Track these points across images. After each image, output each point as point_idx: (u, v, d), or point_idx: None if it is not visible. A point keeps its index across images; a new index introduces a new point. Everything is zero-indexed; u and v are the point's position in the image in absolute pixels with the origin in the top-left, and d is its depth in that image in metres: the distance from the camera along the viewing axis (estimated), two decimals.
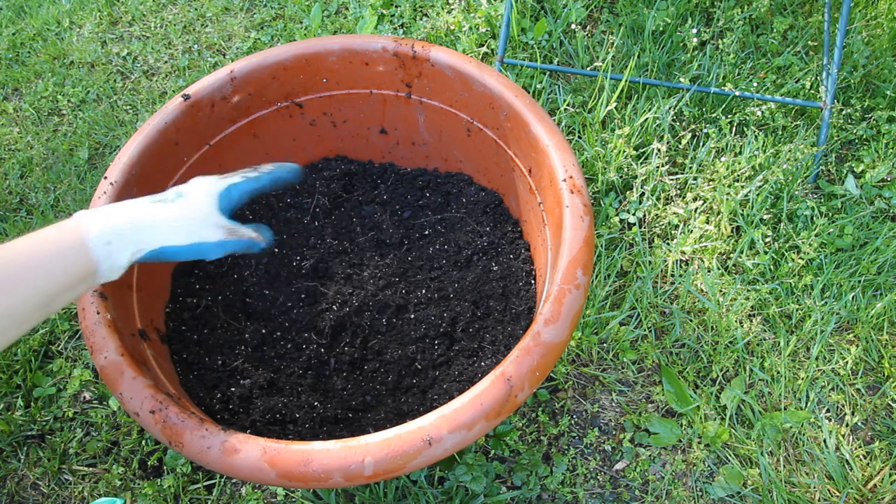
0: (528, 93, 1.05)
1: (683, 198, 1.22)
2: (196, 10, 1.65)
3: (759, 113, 1.29)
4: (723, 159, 1.22)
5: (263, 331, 0.90)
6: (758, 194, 1.18)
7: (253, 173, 0.73)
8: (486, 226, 0.98)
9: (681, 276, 1.14)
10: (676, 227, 1.20)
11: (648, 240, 1.19)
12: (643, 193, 1.22)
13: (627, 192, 1.23)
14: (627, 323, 1.11)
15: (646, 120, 1.26)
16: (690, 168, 1.24)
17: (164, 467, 1.01)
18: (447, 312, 0.89)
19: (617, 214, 1.20)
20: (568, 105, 1.33)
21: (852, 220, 1.18)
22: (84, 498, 1.00)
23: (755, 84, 1.33)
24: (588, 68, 1.37)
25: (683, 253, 1.17)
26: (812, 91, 1.32)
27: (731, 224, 1.18)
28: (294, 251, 0.98)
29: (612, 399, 1.06)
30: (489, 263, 0.94)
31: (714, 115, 1.29)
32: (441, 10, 1.52)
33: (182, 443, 0.61)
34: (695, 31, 1.38)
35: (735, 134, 1.29)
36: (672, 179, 1.24)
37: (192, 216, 0.63)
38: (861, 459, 1.00)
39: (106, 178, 0.81)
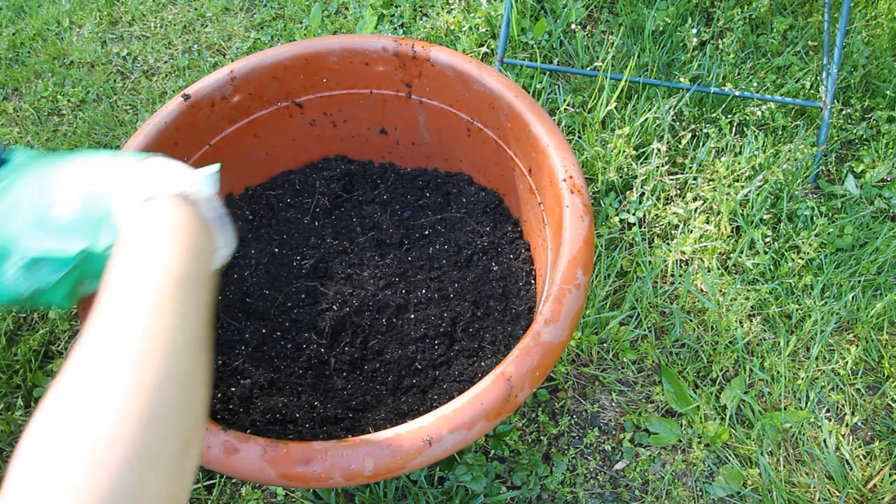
0: (528, 93, 1.04)
1: (683, 198, 1.22)
2: (196, 10, 1.65)
3: (759, 113, 1.29)
4: (723, 159, 1.22)
5: (263, 331, 0.90)
6: (758, 194, 1.18)
7: None
8: (486, 226, 0.98)
9: (681, 276, 1.14)
10: (676, 227, 1.20)
11: (648, 240, 1.19)
12: (643, 193, 1.22)
13: (627, 192, 1.23)
14: (627, 323, 1.11)
15: (646, 120, 1.26)
16: (690, 168, 1.24)
17: None
18: (447, 312, 0.89)
19: (617, 214, 1.20)
20: (568, 105, 1.33)
21: (852, 220, 1.18)
22: None
23: (755, 84, 1.33)
24: (588, 68, 1.37)
25: (683, 253, 1.17)
26: (812, 91, 1.32)
27: (731, 224, 1.18)
28: (294, 251, 0.98)
29: (612, 399, 1.06)
30: (489, 263, 0.94)
31: (714, 115, 1.29)
32: (441, 10, 1.52)
33: None
34: (695, 31, 1.38)
35: (735, 134, 1.29)
36: (672, 179, 1.24)
37: None
38: (861, 459, 1.00)
39: None
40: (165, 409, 0.36)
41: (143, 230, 0.45)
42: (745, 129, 1.29)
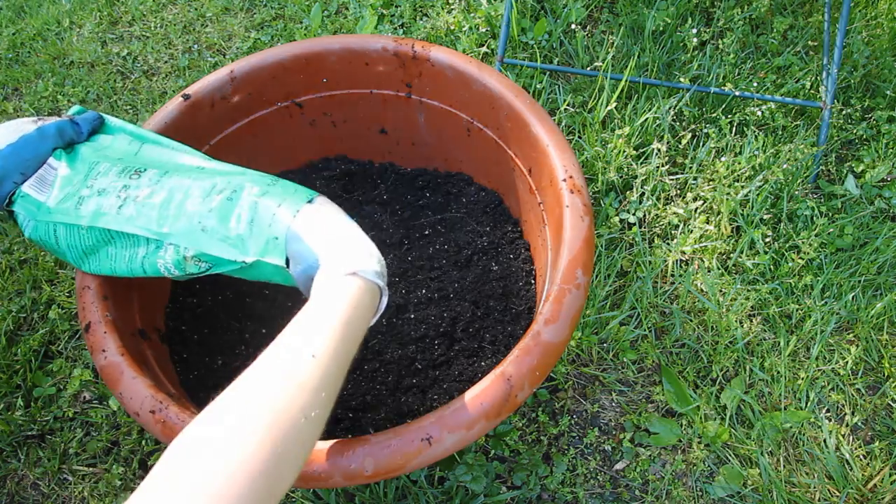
0: (528, 93, 1.04)
1: (683, 198, 1.22)
2: (196, 10, 1.65)
3: (759, 113, 1.29)
4: (723, 159, 1.22)
5: (263, 331, 0.90)
6: (758, 194, 1.18)
7: None
8: (486, 226, 0.98)
9: (681, 276, 1.14)
10: (676, 227, 1.20)
11: (648, 240, 1.19)
12: (643, 193, 1.22)
13: (627, 192, 1.23)
14: (627, 323, 1.11)
15: (646, 120, 1.26)
16: (690, 168, 1.24)
17: None
18: (447, 312, 0.89)
19: (617, 214, 1.20)
20: (568, 105, 1.33)
21: (852, 220, 1.18)
22: (84, 498, 1.00)
23: (755, 84, 1.33)
24: (588, 68, 1.37)
25: (683, 253, 1.17)
26: (812, 91, 1.32)
27: (731, 224, 1.18)
28: None
29: (612, 399, 1.06)
30: (489, 263, 0.94)
31: (714, 115, 1.29)
32: (441, 10, 1.52)
33: None
34: (695, 31, 1.38)
35: (735, 134, 1.29)
36: (672, 179, 1.24)
37: None
38: (861, 459, 1.00)
39: None
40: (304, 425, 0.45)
41: (335, 305, 0.53)
42: (745, 129, 1.29)
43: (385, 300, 0.60)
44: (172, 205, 0.62)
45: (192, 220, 0.62)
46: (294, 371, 0.47)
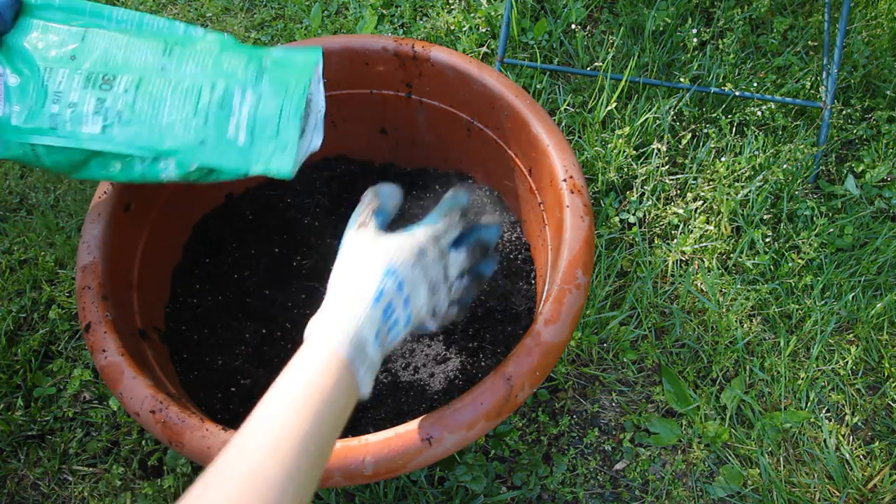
0: (528, 93, 1.04)
1: (683, 198, 1.22)
2: (196, 10, 1.65)
3: (759, 113, 1.29)
4: (723, 159, 1.22)
5: (263, 331, 0.90)
6: (758, 194, 1.19)
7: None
8: None
9: (681, 276, 1.14)
10: (676, 227, 1.20)
11: (648, 240, 1.19)
12: (643, 193, 1.22)
13: (627, 192, 1.23)
14: (627, 323, 1.11)
15: (646, 120, 1.26)
16: (690, 168, 1.24)
17: (164, 467, 1.01)
18: None
19: (617, 214, 1.20)
20: (568, 105, 1.33)
21: (852, 220, 1.18)
22: (84, 498, 1.00)
23: (755, 84, 1.33)
24: (588, 68, 1.37)
25: (683, 253, 1.17)
26: (812, 91, 1.32)
27: (731, 224, 1.18)
28: (294, 251, 0.98)
29: (612, 399, 1.06)
30: None
31: (714, 115, 1.29)
32: (441, 10, 1.52)
33: (182, 443, 0.61)
34: (695, 31, 1.38)
35: (735, 134, 1.29)
36: (672, 179, 1.24)
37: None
38: (861, 459, 1.00)
39: None
40: None
41: (296, 379, 0.46)
42: (745, 129, 1.29)
43: (365, 389, 0.49)
44: (163, 121, 0.61)
45: (189, 134, 0.61)
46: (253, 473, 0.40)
